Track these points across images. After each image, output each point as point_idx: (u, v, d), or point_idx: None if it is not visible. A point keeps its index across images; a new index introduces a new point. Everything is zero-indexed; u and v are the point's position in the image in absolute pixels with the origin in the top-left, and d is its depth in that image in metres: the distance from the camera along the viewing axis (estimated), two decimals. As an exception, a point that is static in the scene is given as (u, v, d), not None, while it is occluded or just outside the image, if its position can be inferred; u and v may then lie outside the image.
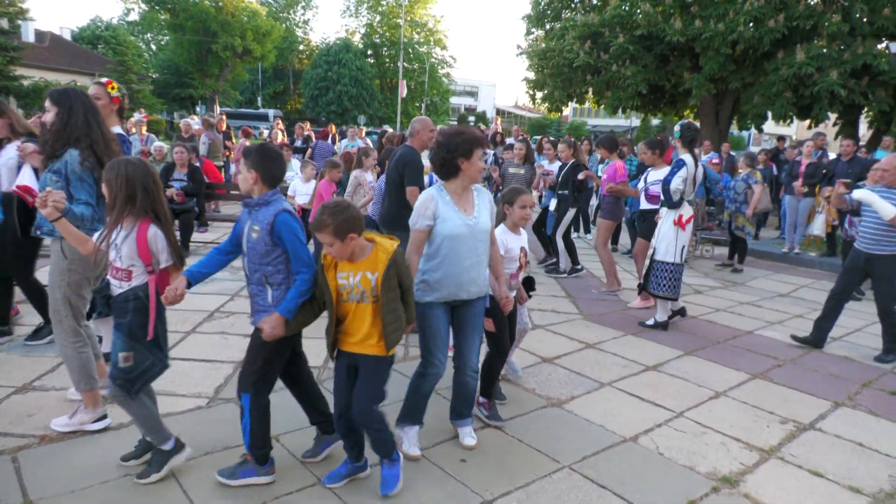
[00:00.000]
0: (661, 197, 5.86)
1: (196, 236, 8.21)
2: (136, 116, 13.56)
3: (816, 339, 5.41)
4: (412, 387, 3.26)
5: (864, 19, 13.23)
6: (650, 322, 5.78)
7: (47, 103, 3.24)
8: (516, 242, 3.72)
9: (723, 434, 3.70)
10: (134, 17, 48.41)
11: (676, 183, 5.57)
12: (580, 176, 7.13)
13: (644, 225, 6.62)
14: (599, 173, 8.84)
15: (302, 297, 2.74)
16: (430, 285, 3.11)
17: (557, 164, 8.10)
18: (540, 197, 8.52)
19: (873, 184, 5.45)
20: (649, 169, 6.55)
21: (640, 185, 6.62)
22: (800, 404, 4.20)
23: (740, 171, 8.83)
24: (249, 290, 2.86)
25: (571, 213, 7.39)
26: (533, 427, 3.66)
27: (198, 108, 38.76)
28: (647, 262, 5.85)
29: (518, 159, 7.76)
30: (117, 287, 2.82)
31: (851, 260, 5.30)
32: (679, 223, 5.63)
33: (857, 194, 5.04)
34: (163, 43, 47.97)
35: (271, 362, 2.84)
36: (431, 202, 3.07)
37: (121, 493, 2.76)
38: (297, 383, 3.12)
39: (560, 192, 7.35)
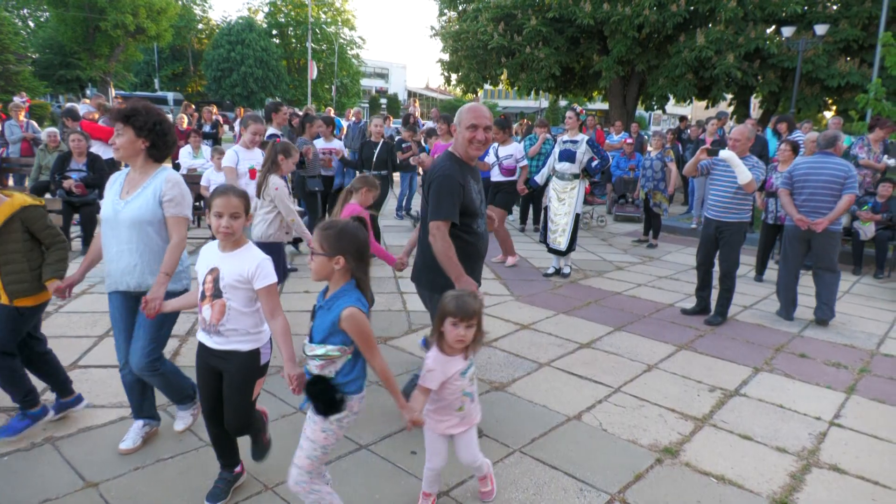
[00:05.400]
0: (575, 169, 6.75)
1: (99, 231, 7.60)
2: (16, 100, 12.27)
3: (700, 307, 5.79)
4: None
5: (756, 5, 14.10)
6: (567, 270, 6.97)
7: None
8: (208, 262, 2.50)
9: (659, 406, 3.85)
10: (6, -11, 43.89)
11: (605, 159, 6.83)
12: (412, 160, 7.47)
13: (500, 196, 7.44)
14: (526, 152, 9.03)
15: None
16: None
17: (337, 141, 7.88)
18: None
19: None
20: (497, 145, 7.47)
21: (491, 159, 7.47)
22: (723, 372, 4.44)
23: (650, 150, 9.20)
24: None
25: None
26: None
27: (87, 91, 35.77)
28: (572, 225, 6.75)
29: (309, 136, 7.60)
30: None
31: (704, 229, 5.68)
32: (587, 190, 7.23)
33: (723, 154, 5.35)
34: (42, 20, 43.76)
35: None
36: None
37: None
38: None
39: (377, 172, 7.37)
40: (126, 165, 2.98)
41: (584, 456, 3.20)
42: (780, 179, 5.80)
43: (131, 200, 2.83)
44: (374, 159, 7.29)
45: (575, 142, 6.76)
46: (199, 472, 2.88)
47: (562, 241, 6.79)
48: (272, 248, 4.38)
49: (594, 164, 6.74)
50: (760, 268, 7.36)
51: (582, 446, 3.31)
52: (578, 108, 7.16)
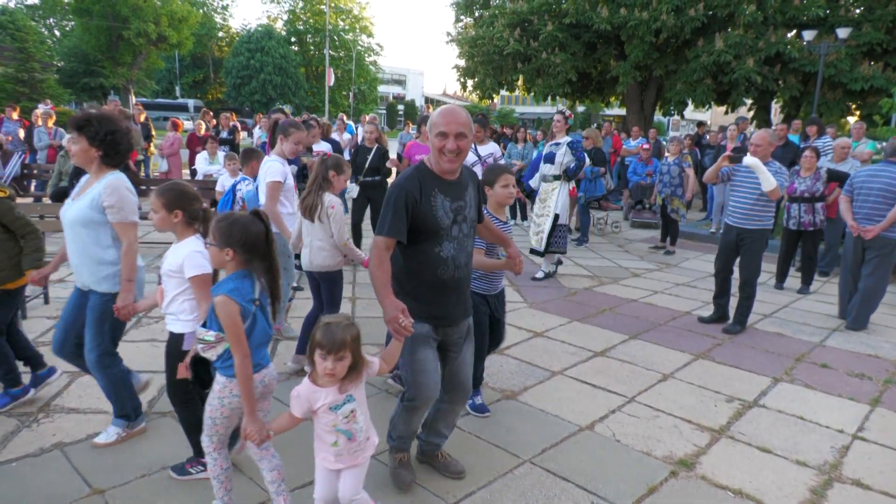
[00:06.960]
0: (555, 170, 6.75)
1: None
2: (42, 108, 12.51)
3: (718, 315, 5.66)
4: None
5: (776, 9, 13.91)
6: (540, 275, 6.96)
7: None
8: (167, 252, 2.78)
9: (674, 416, 3.75)
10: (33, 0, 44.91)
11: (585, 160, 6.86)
12: (388, 164, 7.40)
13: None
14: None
15: None
16: None
17: (325, 144, 7.77)
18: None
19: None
20: (475, 144, 7.36)
21: (472, 158, 7.26)
22: (742, 382, 4.33)
23: (668, 155, 9.07)
24: None
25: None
26: (489, 422, 3.58)
27: (109, 98, 36.41)
28: (549, 227, 6.68)
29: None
30: None
31: (725, 236, 5.56)
32: (573, 193, 7.22)
33: (748, 160, 5.23)
34: (67, 29, 44.67)
35: None
36: None
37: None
38: None
39: (369, 178, 7.24)
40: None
41: (596, 467, 3.13)
42: (843, 187, 5.86)
43: (75, 203, 2.95)
44: (367, 165, 7.15)
45: (558, 144, 6.81)
46: (204, 480, 2.85)
47: (539, 242, 6.79)
48: (338, 276, 4.15)
49: (571, 166, 6.74)
50: (781, 275, 7.19)
51: (594, 457, 3.23)
52: (567, 112, 7.13)
